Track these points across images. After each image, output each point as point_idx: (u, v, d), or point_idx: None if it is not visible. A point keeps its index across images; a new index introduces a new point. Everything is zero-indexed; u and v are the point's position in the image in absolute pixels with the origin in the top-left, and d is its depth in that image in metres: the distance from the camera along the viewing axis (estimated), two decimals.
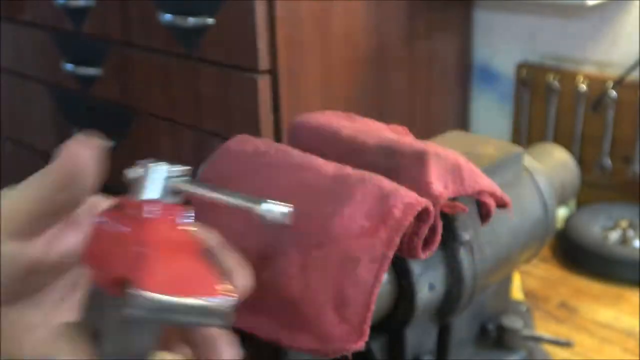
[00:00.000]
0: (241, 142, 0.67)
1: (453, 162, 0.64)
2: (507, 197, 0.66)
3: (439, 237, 0.59)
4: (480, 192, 0.64)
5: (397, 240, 0.55)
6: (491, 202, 0.65)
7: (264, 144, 0.67)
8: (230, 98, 1.17)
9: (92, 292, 0.36)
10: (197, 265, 0.36)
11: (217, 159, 0.66)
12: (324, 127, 0.69)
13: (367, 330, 0.55)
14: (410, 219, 0.55)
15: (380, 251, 0.55)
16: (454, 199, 0.64)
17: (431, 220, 0.57)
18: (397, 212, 0.55)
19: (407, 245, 0.58)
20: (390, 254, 0.55)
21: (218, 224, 0.61)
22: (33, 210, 0.37)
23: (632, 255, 1.14)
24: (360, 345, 0.55)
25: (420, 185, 0.60)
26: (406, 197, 0.56)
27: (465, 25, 1.47)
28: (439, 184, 0.62)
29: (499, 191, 0.66)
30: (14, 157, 1.75)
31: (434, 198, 0.59)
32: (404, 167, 0.62)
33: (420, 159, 0.63)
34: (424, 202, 0.57)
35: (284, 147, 0.66)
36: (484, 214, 0.66)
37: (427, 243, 0.59)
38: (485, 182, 0.65)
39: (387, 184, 0.58)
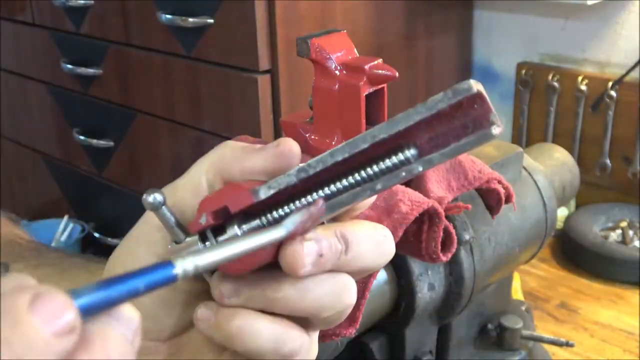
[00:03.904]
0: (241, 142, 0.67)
1: (452, 159, 0.65)
2: (511, 188, 0.66)
3: (455, 238, 0.60)
4: (488, 181, 0.64)
5: (400, 233, 0.55)
6: (500, 190, 0.65)
7: (263, 144, 0.67)
8: (230, 98, 1.17)
9: None
10: None
11: None
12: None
13: (360, 318, 0.55)
14: (416, 214, 0.56)
15: None
16: (455, 199, 0.64)
17: (443, 220, 0.58)
18: (403, 207, 0.56)
19: (426, 250, 0.59)
20: None
21: None
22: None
23: (632, 255, 1.14)
24: (351, 332, 0.54)
25: (420, 193, 0.60)
26: (414, 195, 0.57)
27: (465, 25, 1.47)
28: (439, 187, 0.62)
29: (504, 180, 0.66)
30: (14, 157, 1.75)
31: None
32: None
33: None
34: (431, 201, 0.57)
35: None
36: (494, 204, 0.66)
37: (444, 246, 0.60)
38: (489, 171, 0.65)
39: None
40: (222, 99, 1.18)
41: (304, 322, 0.35)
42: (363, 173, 0.32)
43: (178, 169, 1.47)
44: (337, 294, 0.34)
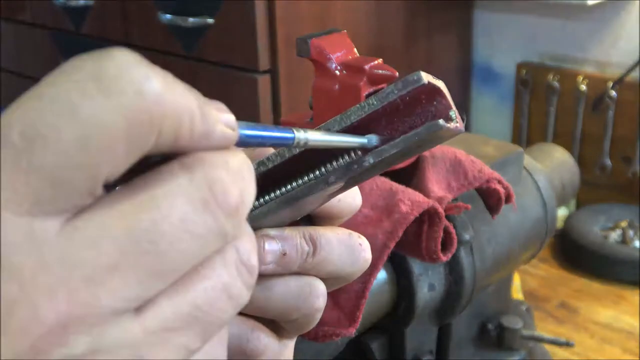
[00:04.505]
0: None
1: (452, 159, 0.65)
2: (511, 188, 0.66)
3: (455, 238, 0.60)
4: (488, 180, 0.64)
5: (400, 233, 0.55)
6: (501, 189, 0.65)
7: None
8: (230, 98, 1.17)
9: None
10: None
11: None
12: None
13: (359, 318, 0.55)
14: (416, 214, 0.56)
15: (381, 241, 0.55)
16: (455, 199, 0.64)
17: (443, 220, 0.58)
18: (403, 207, 0.56)
19: (426, 250, 0.59)
20: (391, 245, 0.55)
21: None
22: None
23: (632, 255, 1.14)
24: (350, 332, 0.55)
25: (421, 193, 0.60)
26: (414, 195, 0.57)
27: (465, 25, 1.47)
28: (439, 187, 0.62)
29: (504, 180, 0.66)
30: None
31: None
32: (402, 176, 0.62)
33: (415, 166, 0.63)
34: (431, 201, 0.57)
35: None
36: (494, 204, 0.66)
37: (445, 246, 0.60)
38: (489, 171, 0.65)
39: (396, 184, 0.59)
40: (222, 99, 1.17)
41: (273, 326, 0.35)
42: (323, 169, 0.32)
43: None
44: (304, 296, 0.34)
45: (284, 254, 0.33)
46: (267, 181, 0.33)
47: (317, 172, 0.32)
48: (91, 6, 1.34)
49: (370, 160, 0.30)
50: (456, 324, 0.74)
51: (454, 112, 0.29)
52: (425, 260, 0.60)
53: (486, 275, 0.71)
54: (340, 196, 0.35)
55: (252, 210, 0.32)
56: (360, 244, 0.36)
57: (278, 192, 0.32)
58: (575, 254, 1.19)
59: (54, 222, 0.21)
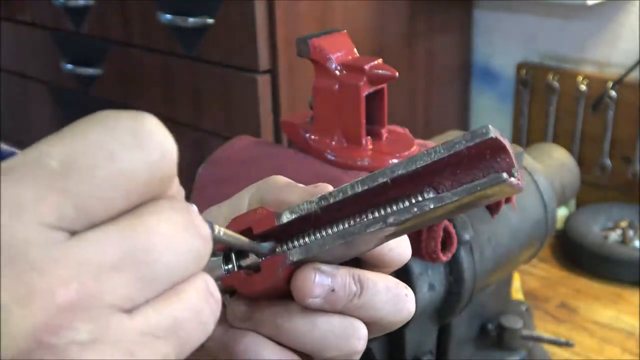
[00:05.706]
0: (241, 142, 0.67)
1: None
2: None
3: (455, 238, 0.60)
4: None
5: None
6: None
7: (263, 144, 0.67)
8: (230, 98, 1.17)
9: None
10: None
11: (217, 159, 0.66)
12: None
13: None
14: None
15: None
16: None
17: (443, 221, 0.58)
18: None
19: (425, 250, 0.59)
20: None
21: None
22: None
23: (632, 255, 1.14)
24: None
25: None
26: None
27: (465, 25, 1.47)
28: None
29: None
30: None
31: None
32: None
33: None
34: None
35: (284, 147, 0.66)
36: (494, 204, 0.66)
37: (445, 246, 0.60)
38: None
39: None
40: (222, 99, 1.18)
41: None
42: (382, 211, 0.33)
43: (178, 168, 1.46)
44: (346, 336, 0.34)
45: (332, 290, 0.33)
46: (325, 216, 0.34)
47: (376, 213, 0.33)
48: (91, 6, 1.34)
49: (430, 205, 0.31)
50: (456, 324, 0.74)
51: (516, 171, 0.30)
52: (425, 260, 0.60)
53: (486, 275, 0.71)
54: (392, 246, 0.36)
55: (309, 241, 0.34)
56: (406, 295, 0.37)
57: (335, 228, 0.33)
58: (575, 254, 1.19)
59: (68, 233, 0.24)
